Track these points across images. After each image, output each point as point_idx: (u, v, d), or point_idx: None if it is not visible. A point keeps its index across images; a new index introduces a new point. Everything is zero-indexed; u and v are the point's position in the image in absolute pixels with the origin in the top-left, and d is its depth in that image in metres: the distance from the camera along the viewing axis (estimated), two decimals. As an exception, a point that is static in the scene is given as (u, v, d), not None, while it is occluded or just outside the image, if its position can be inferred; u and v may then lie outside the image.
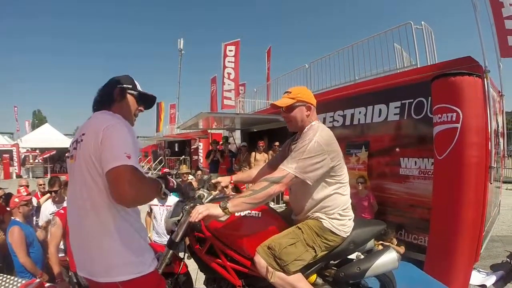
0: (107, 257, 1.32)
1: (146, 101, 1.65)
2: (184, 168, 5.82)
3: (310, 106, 1.84)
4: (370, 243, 2.00)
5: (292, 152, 1.72)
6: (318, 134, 1.69)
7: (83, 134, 1.36)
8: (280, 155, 2.08)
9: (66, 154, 1.49)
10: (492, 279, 3.80)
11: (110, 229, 1.32)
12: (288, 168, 1.63)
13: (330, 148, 1.69)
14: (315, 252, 1.72)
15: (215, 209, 1.54)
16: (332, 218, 1.76)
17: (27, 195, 3.30)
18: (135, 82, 1.60)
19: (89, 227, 1.33)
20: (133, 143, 1.30)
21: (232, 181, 2.18)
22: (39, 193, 5.05)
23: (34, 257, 2.92)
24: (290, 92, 1.85)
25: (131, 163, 1.23)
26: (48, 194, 3.96)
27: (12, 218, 3.03)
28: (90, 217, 1.32)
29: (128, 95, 1.55)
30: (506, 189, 10.56)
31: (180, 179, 5.09)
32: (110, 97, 1.51)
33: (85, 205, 1.33)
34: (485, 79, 3.79)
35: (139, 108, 1.60)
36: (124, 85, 1.54)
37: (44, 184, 5.05)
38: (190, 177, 5.82)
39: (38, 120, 49.34)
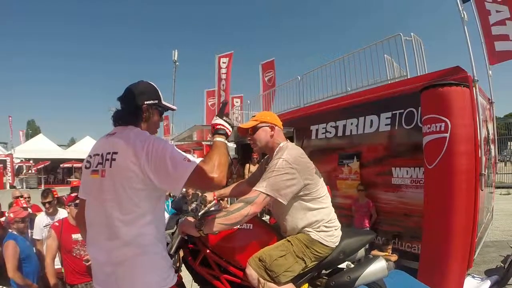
0: (140, 271, 1.32)
1: (166, 111, 1.66)
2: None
3: (273, 127, 1.93)
4: (361, 252, 2.04)
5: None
6: (286, 152, 1.76)
7: (115, 153, 1.33)
8: (258, 173, 2.14)
9: (85, 165, 1.45)
10: (487, 284, 3.80)
11: (143, 244, 1.34)
12: (259, 188, 1.67)
13: (299, 166, 1.74)
14: (305, 263, 1.77)
15: (192, 229, 1.58)
16: (319, 231, 1.81)
17: (25, 207, 3.28)
18: (159, 93, 1.56)
19: (119, 243, 1.31)
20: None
21: (215, 196, 2.22)
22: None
23: (29, 271, 2.90)
24: (255, 116, 1.99)
25: (193, 162, 1.31)
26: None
27: (10, 231, 3.00)
28: (122, 233, 1.31)
29: (155, 111, 1.55)
30: (500, 194, 10.65)
31: None
32: (138, 115, 1.48)
33: (114, 222, 1.31)
34: (473, 88, 3.85)
35: (160, 119, 1.60)
36: (152, 102, 1.51)
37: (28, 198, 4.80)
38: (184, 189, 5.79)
39: (32, 130, 49.01)
